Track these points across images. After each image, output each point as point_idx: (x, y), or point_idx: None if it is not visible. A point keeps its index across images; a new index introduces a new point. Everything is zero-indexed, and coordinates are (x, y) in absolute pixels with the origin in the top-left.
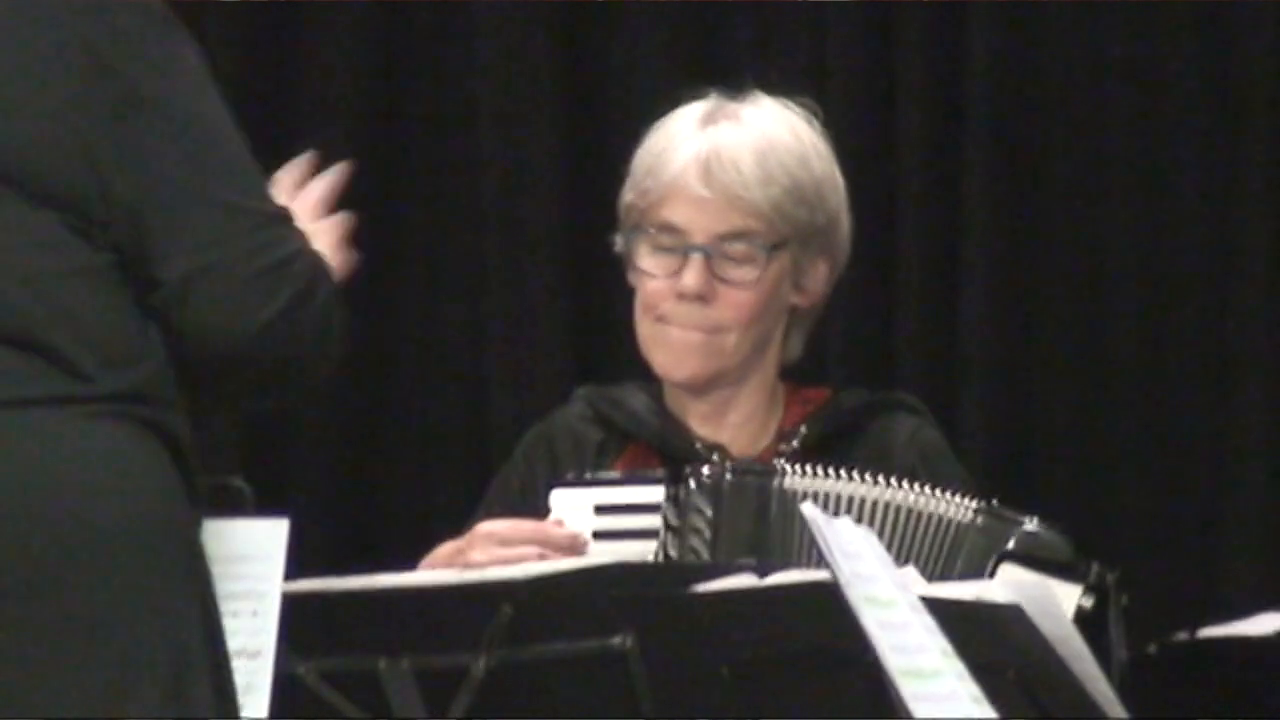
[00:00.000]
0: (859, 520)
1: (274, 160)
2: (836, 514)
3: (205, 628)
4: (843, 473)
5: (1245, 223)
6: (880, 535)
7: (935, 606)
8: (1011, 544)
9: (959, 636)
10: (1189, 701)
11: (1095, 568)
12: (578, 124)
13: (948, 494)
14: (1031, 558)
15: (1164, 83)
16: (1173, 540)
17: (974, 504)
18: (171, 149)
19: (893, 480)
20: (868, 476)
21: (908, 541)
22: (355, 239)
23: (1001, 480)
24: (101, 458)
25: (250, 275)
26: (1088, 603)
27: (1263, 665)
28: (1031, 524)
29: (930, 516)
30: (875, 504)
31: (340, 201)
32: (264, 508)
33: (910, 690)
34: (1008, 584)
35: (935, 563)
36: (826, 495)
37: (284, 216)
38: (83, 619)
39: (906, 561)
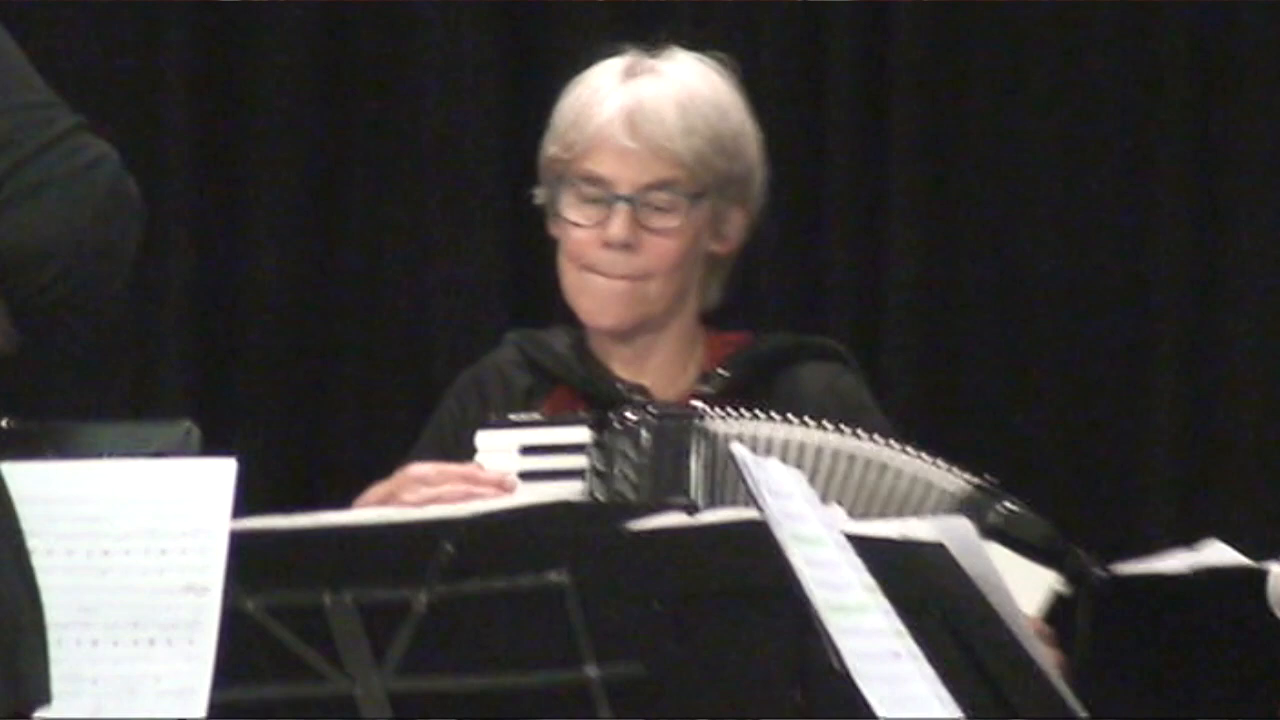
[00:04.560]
0: (797, 464)
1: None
2: (770, 455)
3: (27, 581)
4: (776, 415)
5: (1161, 181)
6: (820, 479)
7: (861, 544)
8: (993, 520)
9: (884, 573)
10: (1105, 635)
11: (1076, 555)
12: (516, 87)
13: (935, 460)
14: (1013, 538)
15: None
16: (1088, 482)
17: (967, 476)
18: None
19: (846, 427)
20: (791, 418)
21: (866, 494)
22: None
23: (921, 423)
24: None
25: (57, 178)
26: (1065, 589)
27: (1175, 600)
28: (1015, 504)
29: (903, 475)
30: (817, 449)
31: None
32: (212, 449)
33: (836, 625)
34: (932, 523)
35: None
36: (755, 438)
37: (83, 125)
38: None
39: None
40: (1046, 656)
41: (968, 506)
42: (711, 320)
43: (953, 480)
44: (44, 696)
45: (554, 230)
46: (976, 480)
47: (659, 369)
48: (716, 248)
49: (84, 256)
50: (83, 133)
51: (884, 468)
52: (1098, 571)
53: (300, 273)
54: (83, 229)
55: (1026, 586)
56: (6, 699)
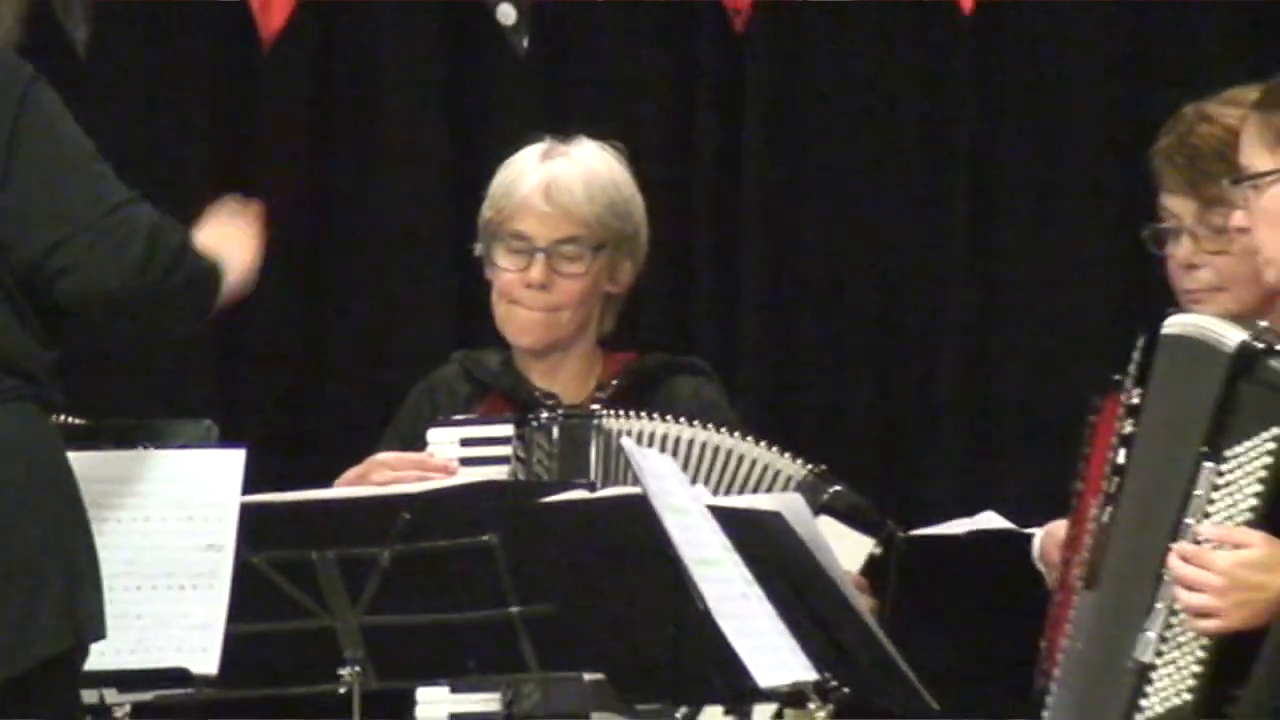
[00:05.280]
0: (673, 454)
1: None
2: (651, 446)
3: (86, 544)
4: (655, 415)
5: (952, 229)
6: (695, 468)
7: (718, 513)
8: (825, 498)
9: (736, 535)
10: (908, 586)
11: (888, 525)
12: (460, 169)
13: (785, 453)
14: (843, 512)
15: (884, 92)
16: (892, 466)
17: (807, 465)
18: (43, 171)
19: (711, 425)
20: (671, 418)
21: (728, 477)
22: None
23: (767, 422)
24: (9, 430)
25: (103, 238)
26: (878, 551)
27: (960, 558)
28: (841, 486)
29: (757, 463)
30: (689, 442)
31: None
32: (227, 441)
33: (700, 574)
34: (773, 498)
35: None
36: (640, 433)
37: (130, 199)
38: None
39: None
40: (864, 603)
41: (805, 487)
42: (607, 343)
43: (793, 467)
44: (99, 633)
45: (488, 274)
46: (812, 467)
47: (567, 380)
48: (611, 288)
49: (132, 303)
50: (138, 205)
51: (740, 456)
52: (902, 537)
53: (295, 309)
54: (133, 285)
55: (849, 549)
56: (68, 633)
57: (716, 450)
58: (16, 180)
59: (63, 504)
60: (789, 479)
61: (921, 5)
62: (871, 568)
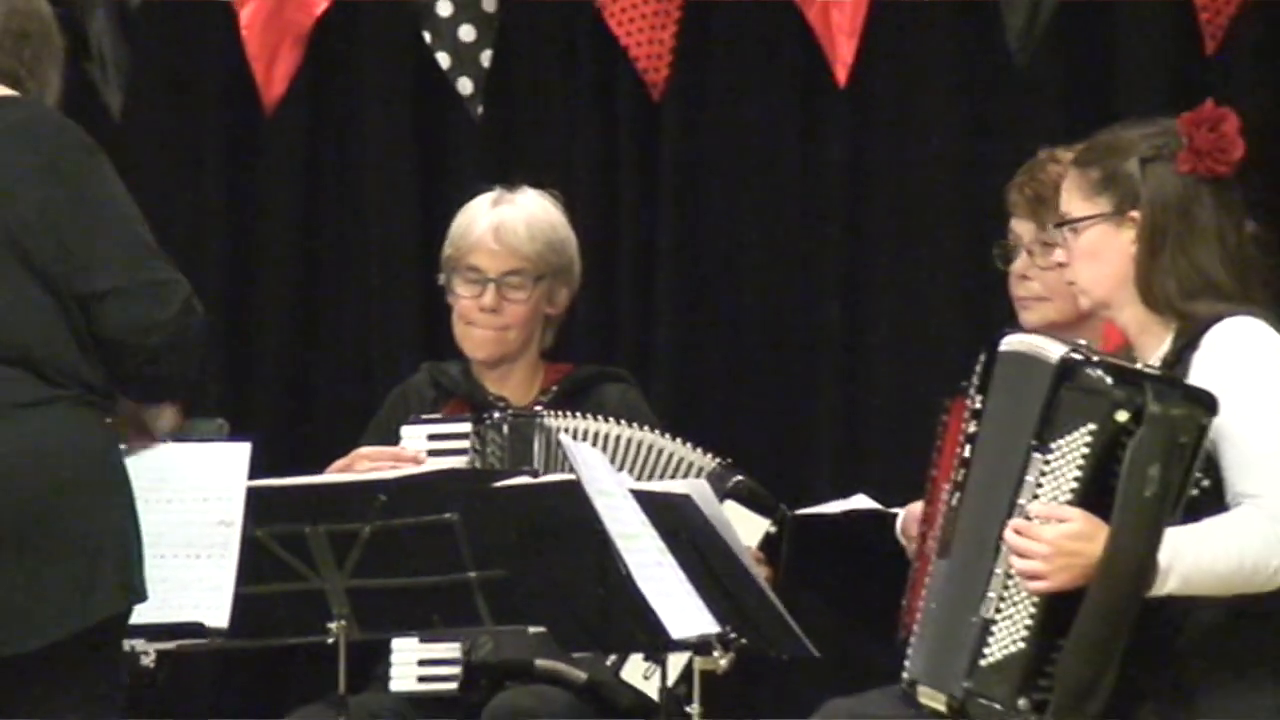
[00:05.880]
0: (602, 448)
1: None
2: (585, 441)
3: (135, 526)
4: (588, 415)
5: (828, 263)
6: (621, 460)
7: (638, 496)
8: (729, 486)
9: (653, 514)
10: (797, 559)
11: (782, 508)
12: (427, 211)
13: (697, 448)
14: (744, 498)
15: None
16: (781, 457)
17: (716, 458)
18: (101, 226)
19: (634, 424)
20: (600, 417)
21: (648, 467)
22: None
23: (680, 421)
24: (73, 431)
25: (146, 291)
26: (773, 530)
27: (837, 533)
28: (743, 475)
29: (673, 456)
30: (616, 438)
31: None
32: (236, 435)
33: (623, 545)
34: (684, 484)
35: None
36: (576, 430)
37: (166, 267)
38: (64, 533)
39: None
40: (760, 571)
41: (712, 476)
42: (547, 355)
43: (703, 459)
44: (143, 597)
45: (450, 300)
46: (719, 459)
47: (515, 386)
48: (550, 310)
49: (165, 352)
50: (176, 283)
51: (659, 450)
52: (792, 517)
53: (293, 327)
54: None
55: (749, 528)
56: (122, 597)
57: (639, 445)
58: (82, 232)
59: (116, 490)
60: (699, 469)
61: (804, 80)
62: (767, 543)
